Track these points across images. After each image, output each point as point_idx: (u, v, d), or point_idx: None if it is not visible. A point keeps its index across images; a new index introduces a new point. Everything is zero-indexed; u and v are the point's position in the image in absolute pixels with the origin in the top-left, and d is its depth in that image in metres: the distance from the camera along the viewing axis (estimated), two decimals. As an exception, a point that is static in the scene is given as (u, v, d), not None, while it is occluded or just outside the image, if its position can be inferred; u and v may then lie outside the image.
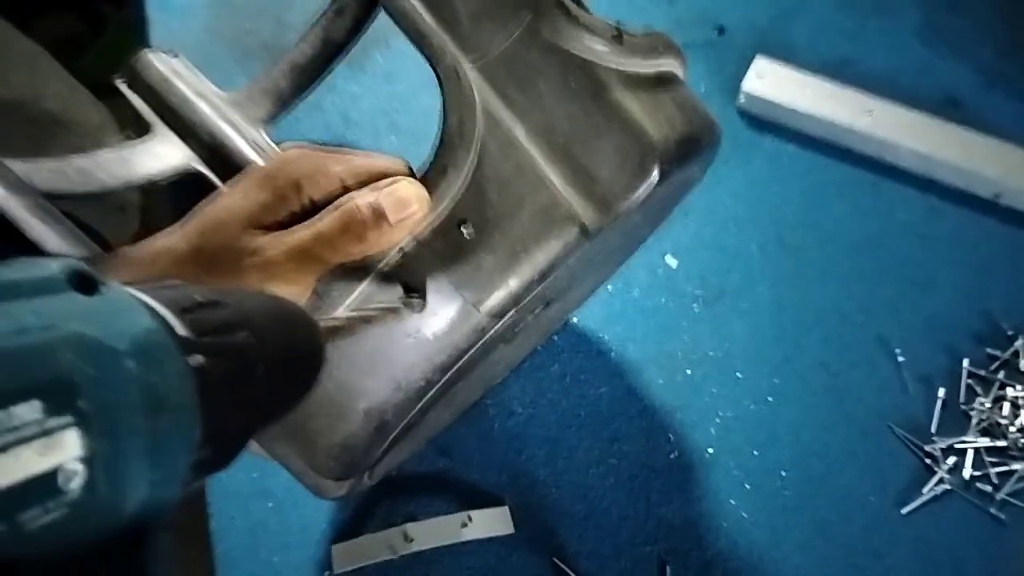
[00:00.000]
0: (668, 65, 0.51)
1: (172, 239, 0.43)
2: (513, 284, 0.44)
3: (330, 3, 0.58)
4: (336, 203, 0.43)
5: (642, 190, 0.45)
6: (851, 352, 0.76)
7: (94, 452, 0.21)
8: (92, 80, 1.42)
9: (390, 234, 0.43)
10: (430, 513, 0.69)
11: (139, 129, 0.55)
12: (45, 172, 0.49)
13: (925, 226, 0.82)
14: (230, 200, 0.44)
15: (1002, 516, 0.69)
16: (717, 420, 0.73)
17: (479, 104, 0.45)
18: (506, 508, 0.69)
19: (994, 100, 0.88)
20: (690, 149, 0.48)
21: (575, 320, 0.77)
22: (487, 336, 0.45)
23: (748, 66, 0.88)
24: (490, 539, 0.69)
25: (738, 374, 0.75)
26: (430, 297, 0.44)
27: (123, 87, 0.57)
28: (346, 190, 0.44)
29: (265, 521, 0.69)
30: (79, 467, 0.20)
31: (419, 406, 0.47)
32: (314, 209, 0.44)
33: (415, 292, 0.43)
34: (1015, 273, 0.79)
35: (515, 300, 0.44)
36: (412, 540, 0.68)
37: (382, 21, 0.93)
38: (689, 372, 0.75)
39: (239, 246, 0.42)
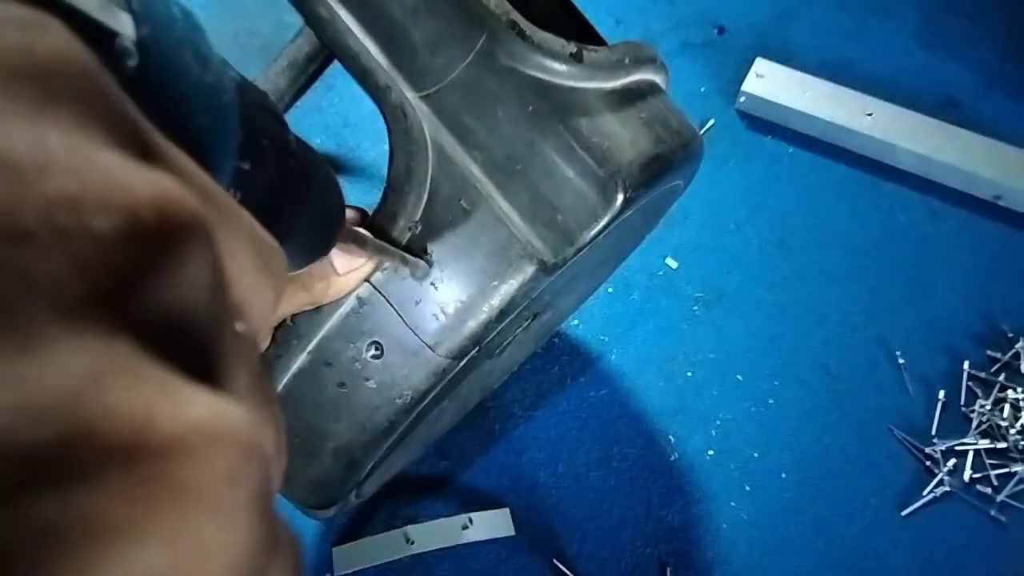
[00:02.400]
0: (639, 76, 0.48)
1: None
2: (470, 325, 0.42)
3: (295, 35, 0.57)
4: None
5: (605, 219, 0.43)
6: (851, 354, 0.76)
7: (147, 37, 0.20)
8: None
9: (338, 285, 0.42)
10: (431, 515, 0.69)
11: None
12: None
13: (925, 227, 0.82)
14: None
15: (1002, 518, 0.69)
16: (717, 422, 0.73)
17: (430, 143, 0.43)
18: (507, 510, 0.69)
19: (993, 101, 0.88)
20: (657, 170, 0.46)
21: (575, 323, 0.77)
22: (451, 375, 0.44)
23: (748, 67, 0.88)
24: (491, 541, 0.69)
25: (739, 376, 0.75)
26: (387, 341, 0.43)
27: None
28: None
29: (266, 524, 0.69)
30: (133, 48, 0.20)
31: (389, 442, 0.46)
32: None
33: (374, 338, 0.43)
34: (1015, 275, 0.79)
35: (474, 341, 0.43)
36: (413, 542, 0.68)
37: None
38: (690, 374, 0.75)
39: None
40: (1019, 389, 0.73)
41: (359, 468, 0.47)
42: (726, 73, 0.90)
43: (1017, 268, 0.80)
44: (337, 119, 0.85)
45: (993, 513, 0.70)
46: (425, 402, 0.45)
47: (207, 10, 0.95)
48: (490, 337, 0.44)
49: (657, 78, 0.50)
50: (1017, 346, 0.75)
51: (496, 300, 0.43)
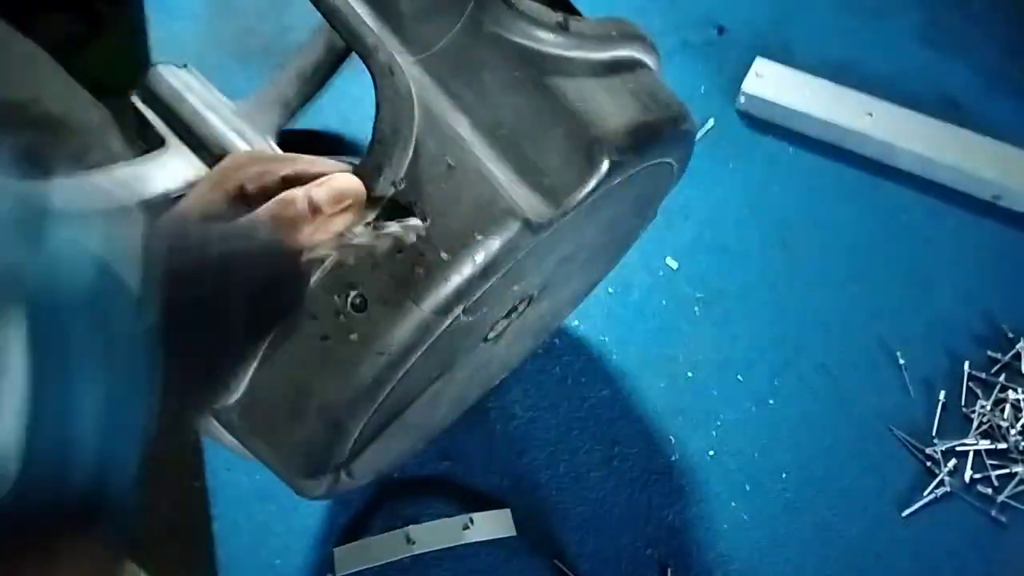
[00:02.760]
0: (626, 52, 0.49)
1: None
2: (454, 280, 0.42)
3: (316, 29, 0.58)
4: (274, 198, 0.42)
5: (591, 182, 0.43)
6: (852, 354, 0.76)
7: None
8: (92, 80, 1.42)
9: (325, 226, 0.42)
10: (432, 516, 0.69)
11: (152, 141, 0.56)
12: (63, 190, 0.49)
13: (925, 228, 0.82)
14: (186, 202, 0.43)
15: (1003, 519, 0.69)
16: (718, 423, 0.73)
17: (416, 100, 0.43)
18: (508, 511, 0.70)
19: (994, 102, 0.88)
20: (645, 138, 0.46)
21: (575, 323, 0.77)
22: (436, 333, 0.44)
23: (748, 67, 0.88)
24: (491, 541, 0.69)
25: (739, 376, 0.75)
26: (371, 295, 0.43)
27: (138, 103, 0.58)
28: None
29: (268, 524, 0.69)
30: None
31: (375, 404, 0.46)
32: None
33: (358, 291, 0.43)
34: (1016, 275, 0.80)
35: (458, 296, 0.43)
36: (414, 542, 0.68)
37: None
38: (690, 375, 0.75)
39: None
40: (1020, 390, 0.73)
41: (345, 432, 0.46)
42: (726, 73, 0.90)
43: (1018, 268, 0.80)
44: (337, 120, 0.85)
45: (993, 514, 0.70)
46: (411, 362, 0.44)
47: (207, 10, 0.95)
48: (475, 295, 0.44)
49: (646, 58, 0.51)
50: (1018, 346, 0.75)
51: (480, 255, 0.42)
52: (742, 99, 0.87)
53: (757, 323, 0.77)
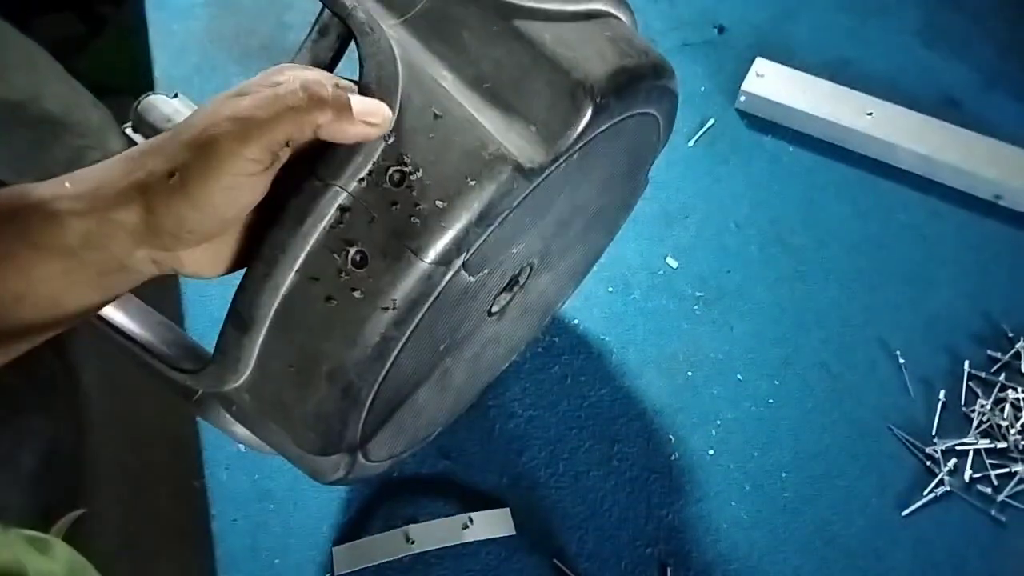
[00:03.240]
0: (598, 5, 0.50)
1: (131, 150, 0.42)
2: (451, 228, 0.42)
3: (313, 24, 0.58)
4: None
5: (579, 125, 0.44)
6: (852, 354, 0.76)
7: None
8: (92, 80, 1.43)
9: (338, 116, 0.41)
10: (431, 515, 0.69)
11: None
12: None
13: (925, 227, 0.82)
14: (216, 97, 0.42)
15: (1002, 518, 0.69)
16: (718, 422, 0.73)
17: (399, 56, 0.44)
18: (507, 510, 0.69)
19: (994, 101, 0.88)
20: (627, 80, 0.47)
21: (575, 322, 0.77)
22: (440, 287, 0.44)
23: (748, 66, 0.88)
24: (491, 540, 0.69)
25: (739, 376, 0.75)
26: (371, 250, 0.42)
27: (130, 132, 0.58)
28: None
29: (266, 523, 0.69)
30: None
31: (386, 366, 0.46)
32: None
33: (357, 247, 0.43)
34: (1016, 274, 0.79)
35: (457, 244, 0.43)
36: (413, 542, 0.68)
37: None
38: (690, 374, 0.75)
39: (203, 111, 0.40)
40: (1019, 389, 0.73)
41: (357, 397, 0.46)
42: (726, 72, 0.90)
43: (1018, 268, 0.80)
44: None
45: (993, 513, 0.69)
46: (417, 317, 0.44)
47: (207, 10, 0.95)
48: (474, 245, 0.44)
49: (620, 14, 0.52)
50: (1017, 346, 0.75)
51: (475, 201, 0.43)
52: (742, 98, 0.87)
53: (757, 322, 0.77)
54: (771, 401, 0.74)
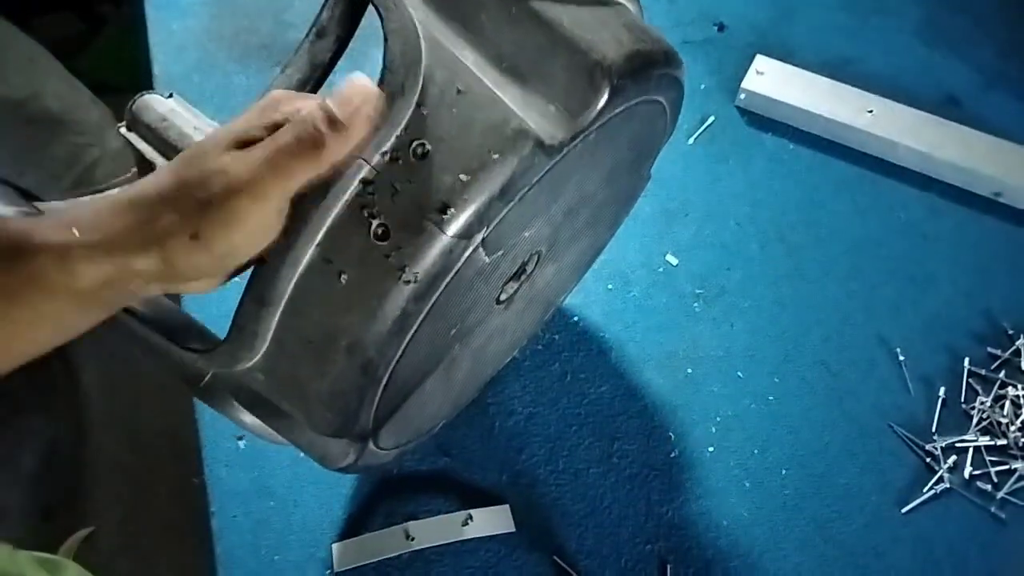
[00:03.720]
0: None
1: (158, 171, 0.43)
2: (474, 202, 0.43)
3: (311, 26, 0.58)
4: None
5: (598, 103, 0.45)
6: (852, 351, 0.76)
7: None
8: (92, 79, 1.43)
9: (346, 135, 0.42)
10: (431, 512, 0.69)
11: (145, 168, 0.56)
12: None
13: (925, 224, 0.82)
14: (216, 130, 0.44)
15: (1002, 515, 0.69)
16: (718, 419, 0.73)
17: (421, 32, 0.45)
18: (507, 507, 0.69)
19: (994, 99, 0.88)
20: (642, 64, 0.47)
21: (575, 319, 0.77)
22: (459, 262, 0.44)
23: (748, 64, 0.88)
24: (491, 537, 0.69)
25: (739, 373, 0.75)
26: (393, 223, 0.43)
27: (124, 131, 0.58)
28: None
29: (267, 520, 0.69)
30: None
31: (404, 341, 0.46)
32: None
33: (380, 220, 0.43)
34: (1015, 272, 0.80)
35: (479, 218, 0.43)
36: (413, 538, 0.68)
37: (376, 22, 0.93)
38: (690, 371, 0.75)
39: (214, 167, 0.41)
40: (1019, 386, 0.73)
41: (374, 373, 0.46)
42: (726, 70, 0.90)
43: (1017, 265, 0.80)
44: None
45: (993, 510, 0.69)
46: (437, 292, 0.45)
47: (206, 9, 0.95)
48: (495, 220, 0.44)
49: (629, 3, 0.52)
50: (1017, 343, 0.75)
51: (499, 175, 0.43)
52: (742, 96, 0.87)
53: (757, 320, 0.77)
54: (771, 398, 0.74)
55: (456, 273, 0.45)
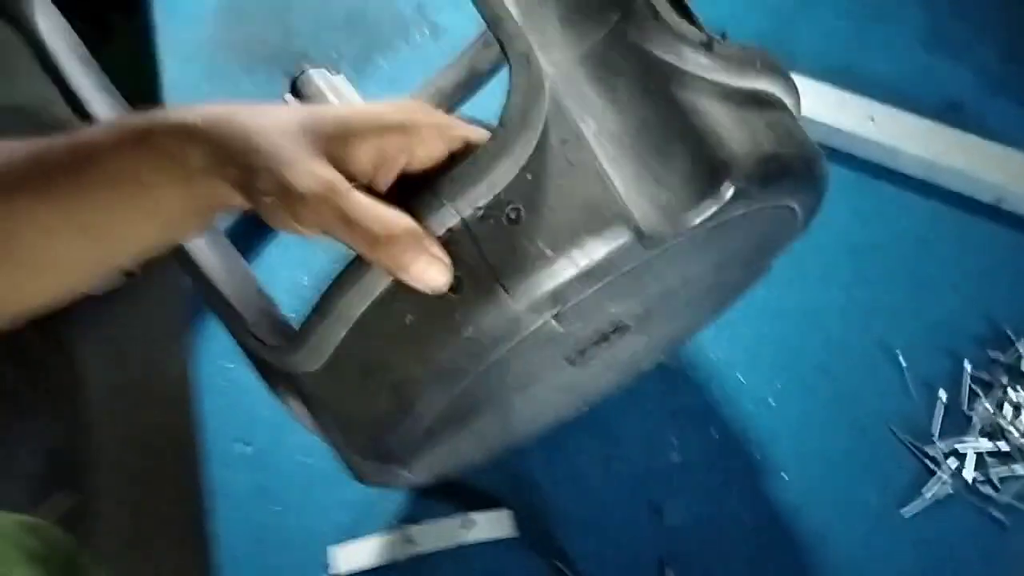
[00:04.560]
0: (767, 86, 0.47)
1: (277, 107, 0.45)
2: (553, 278, 0.41)
3: (479, 35, 0.58)
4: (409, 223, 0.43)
5: (711, 204, 0.42)
6: (852, 355, 0.76)
7: None
8: (101, 89, 1.44)
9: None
10: (431, 515, 0.69)
11: None
12: None
13: (927, 230, 0.82)
14: (356, 112, 0.46)
15: (1004, 519, 0.69)
16: (718, 422, 0.73)
17: (548, 93, 0.42)
18: (509, 511, 0.69)
19: (996, 105, 0.88)
20: (774, 171, 0.45)
21: (577, 323, 0.77)
22: (526, 331, 0.43)
23: (750, 72, 0.88)
24: (491, 541, 0.69)
25: (739, 376, 0.75)
26: (468, 279, 0.42)
27: (288, 97, 0.60)
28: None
29: (266, 523, 0.70)
30: None
31: (451, 393, 0.46)
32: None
33: (455, 272, 0.42)
34: (1017, 277, 0.79)
35: (554, 296, 0.42)
36: (414, 542, 0.68)
37: (387, 24, 0.94)
38: (690, 374, 0.75)
39: (310, 162, 0.42)
40: (1021, 390, 0.73)
41: (414, 414, 0.46)
42: (728, 78, 0.91)
43: (1020, 271, 0.80)
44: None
45: (995, 513, 0.69)
46: (494, 356, 0.44)
47: (215, 16, 0.96)
48: (572, 300, 0.43)
49: (786, 98, 0.49)
50: (1019, 346, 0.75)
51: (583, 257, 0.41)
52: (744, 103, 0.88)
53: (757, 323, 0.77)
54: (772, 402, 0.74)
55: (522, 340, 0.44)
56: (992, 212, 0.83)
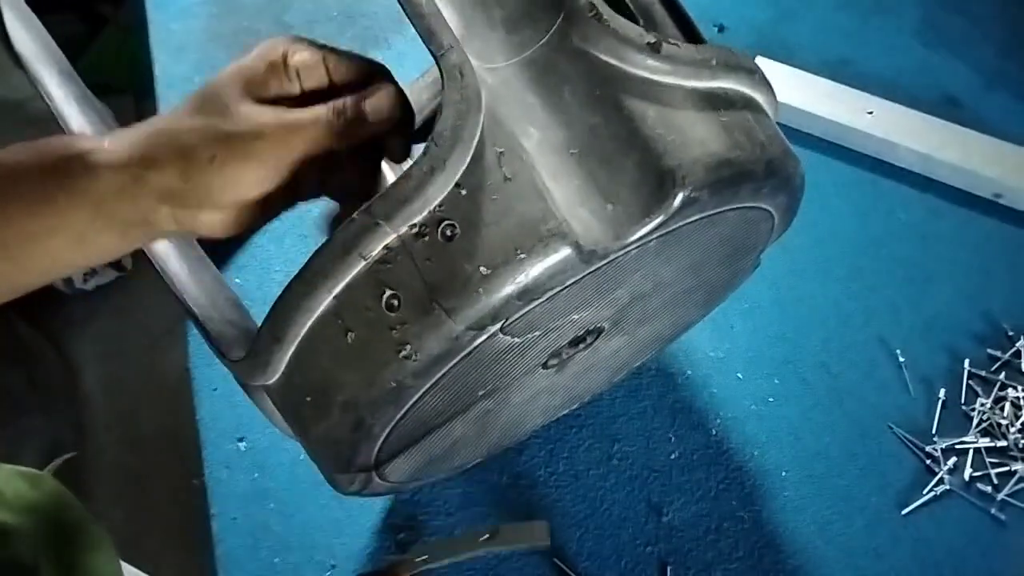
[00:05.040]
0: (728, 84, 0.46)
1: (176, 108, 0.47)
2: (490, 297, 0.41)
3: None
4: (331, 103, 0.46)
5: (658, 215, 0.41)
6: (851, 352, 0.76)
7: None
8: (92, 80, 1.42)
9: (367, 128, 0.46)
10: (430, 513, 0.69)
11: None
12: None
13: (925, 226, 0.82)
14: (226, 70, 0.47)
15: (1002, 517, 0.69)
16: (717, 421, 0.73)
17: (484, 107, 0.41)
18: (544, 523, 0.68)
19: (994, 100, 0.88)
20: (727, 176, 0.43)
21: (575, 321, 0.77)
22: (470, 348, 0.43)
23: (748, 66, 0.88)
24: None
25: (738, 374, 0.75)
26: (405, 298, 0.42)
27: None
28: (332, 85, 0.48)
29: (266, 522, 0.69)
30: None
31: (401, 410, 0.45)
32: (300, 98, 0.48)
33: (393, 291, 0.42)
34: (1015, 273, 0.79)
35: (493, 315, 0.41)
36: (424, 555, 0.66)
37: (380, 17, 0.93)
38: (689, 373, 0.75)
39: (240, 109, 0.45)
40: (1020, 388, 0.73)
41: (368, 431, 0.46)
42: (726, 72, 0.90)
43: (1018, 267, 0.80)
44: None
45: (993, 511, 0.69)
46: (438, 374, 0.44)
47: (206, 10, 0.95)
48: (513, 317, 0.42)
49: (756, 94, 0.48)
50: (1018, 344, 0.75)
51: (520, 275, 0.41)
52: (742, 97, 0.87)
53: (756, 321, 0.77)
54: (771, 400, 0.74)
55: (468, 354, 0.44)
56: (990, 207, 0.83)
